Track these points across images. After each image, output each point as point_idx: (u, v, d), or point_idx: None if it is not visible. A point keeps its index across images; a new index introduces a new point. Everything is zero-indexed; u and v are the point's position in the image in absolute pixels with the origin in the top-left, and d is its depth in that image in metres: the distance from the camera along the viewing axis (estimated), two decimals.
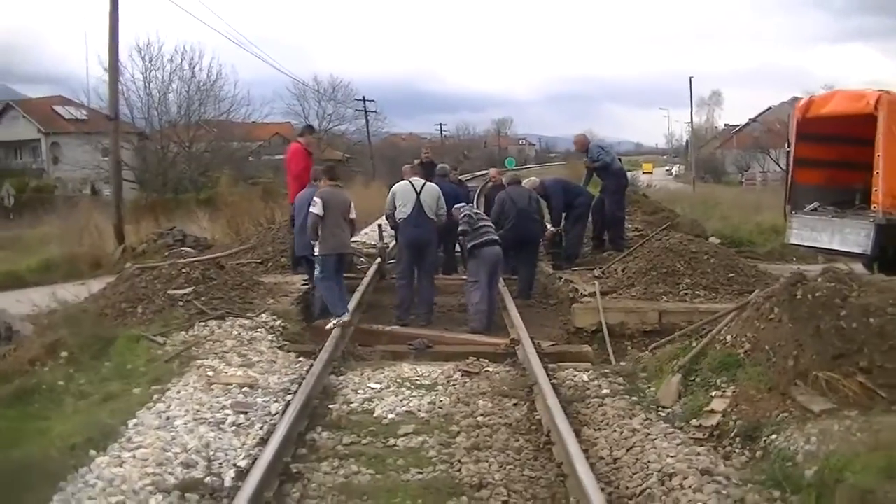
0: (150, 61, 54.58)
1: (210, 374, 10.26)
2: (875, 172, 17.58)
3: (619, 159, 22.31)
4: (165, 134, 54.97)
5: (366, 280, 16.60)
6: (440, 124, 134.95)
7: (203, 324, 12.40)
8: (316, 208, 13.09)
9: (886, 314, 9.01)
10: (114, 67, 29.01)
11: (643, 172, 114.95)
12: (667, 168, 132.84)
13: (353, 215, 13.35)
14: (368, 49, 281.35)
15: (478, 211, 16.61)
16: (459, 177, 22.75)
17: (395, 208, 15.14)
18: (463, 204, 16.14)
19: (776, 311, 9.70)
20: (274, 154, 70.68)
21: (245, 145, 67.20)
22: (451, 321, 15.49)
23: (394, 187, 15.53)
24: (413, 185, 15.09)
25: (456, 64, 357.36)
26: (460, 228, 15.25)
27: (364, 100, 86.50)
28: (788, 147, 21.25)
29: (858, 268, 16.24)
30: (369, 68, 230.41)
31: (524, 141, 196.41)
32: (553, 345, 12.83)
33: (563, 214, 18.99)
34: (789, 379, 8.68)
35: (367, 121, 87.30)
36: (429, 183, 15.50)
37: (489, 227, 15.30)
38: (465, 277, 16.70)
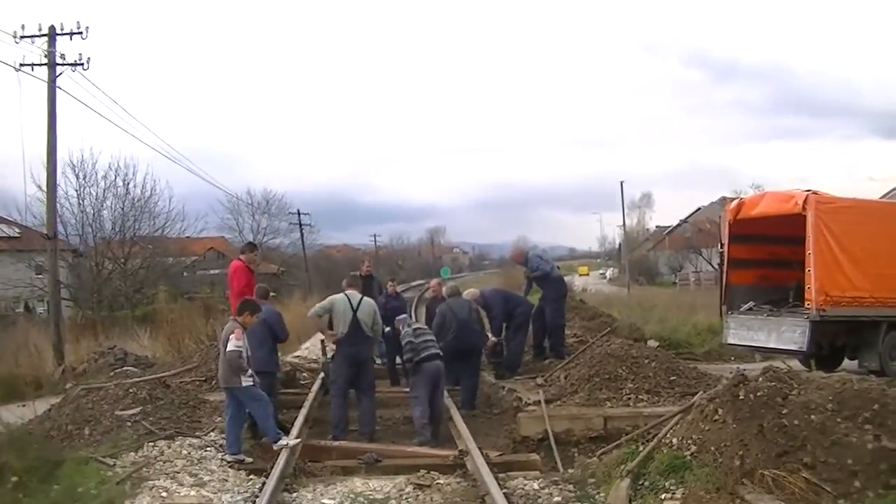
0: (84, 178, 54.04)
1: (163, 494, 10.26)
2: (807, 270, 18.05)
3: (558, 267, 22.53)
4: (100, 251, 54.41)
5: (311, 396, 16.55)
6: (374, 235, 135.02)
7: (152, 444, 12.32)
8: None
9: (827, 410, 9.26)
10: (52, 187, 29.16)
11: (579, 275, 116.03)
12: (600, 271, 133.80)
13: (228, 347, 12.43)
14: (301, 161, 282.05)
15: (420, 325, 16.73)
16: (397, 288, 22.80)
17: (323, 316, 15.32)
18: (405, 315, 16.25)
19: (720, 412, 9.91)
20: (209, 269, 70.50)
21: (180, 260, 66.86)
22: (397, 434, 15.54)
23: (332, 298, 15.49)
24: (350, 302, 15.03)
25: (388, 174, 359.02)
26: (405, 343, 15.29)
27: (299, 213, 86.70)
28: (721, 248, 21.73)
29: (795, 365, 16.54)
30: (302, 180, 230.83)
31: (457, 249, 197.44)
32: (501, 454, 12.90)
33: (504, 324, 19.10)
34: (736, 478, 8.86)
35: (302, 234, 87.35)
36: (365, 299, 15.46)
37: (431, 340, 15.36)
38: (407, 390, 16.80)
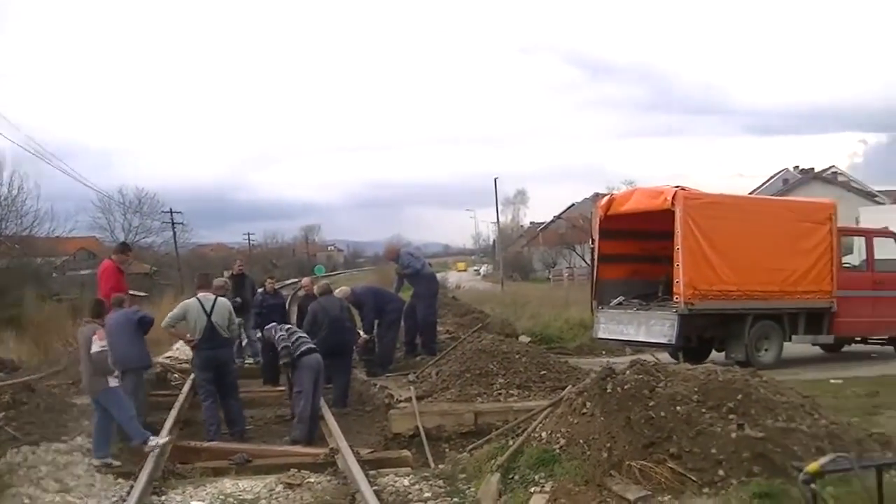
0: None
1: (26, 501, 10.06)
2: (675, 265, 18.32)
3: (430, 264, 22.59)
4: None
5: (181, 396, 16.36)
6: (248, 234, 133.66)
7: (16, 450, 12.01)
8: None
9: (692, 402, 9.41)
10: None
11: (458, 271, 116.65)
12: (475, 268, 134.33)
13: (93, 349, 12.11)
14: (174, 159, 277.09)
15: (289, 326, 16.66)
16: (275, 286, 22.72)
17: (177, 324, 15.05)
18: (273, 324, 16.14)
19: (588, 405, 10.00)
20: (80, 269, 69.25)
21: (49, 261, 65.51)
22: (269, 433, 15.44)
23: (184, 304, 15.29)
24: (203, 306, 14.80)
25: (262, 172, 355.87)
26: (281, 347, 15.17)
27: (171, 212, 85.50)
28: (592, 244, 21.93)
29: (665, 357, 16.79)
30: (175, 178, 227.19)
31: (332, 247, 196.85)
32: (372, 451, 12.87)
33: (376, 321, 19.10)
34: (604, 470, 8.95)
35: (175, 233, 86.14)
36: (219, 300, 15.23)
37: (304, 337, 15.34)
38: (281, 388, 16.74)
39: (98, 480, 11.36)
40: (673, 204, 18.42)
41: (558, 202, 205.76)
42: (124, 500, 9.92)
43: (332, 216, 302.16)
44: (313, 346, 15.11)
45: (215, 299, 15.05)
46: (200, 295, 15.05)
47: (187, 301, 15.27)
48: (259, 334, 18.60)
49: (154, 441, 12.05)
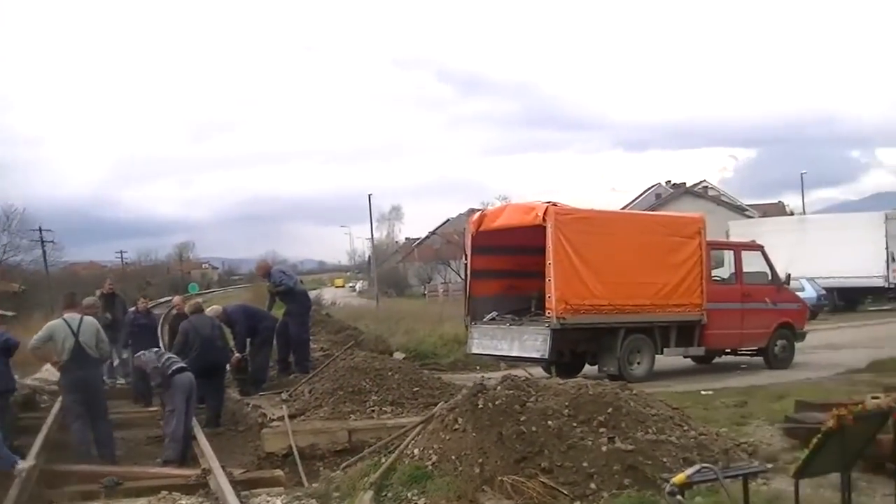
0: None
1: None
2: (547, 280, 18.45)
3: (301, 281, 22.47)
4: None
5: (49, 418, 16.00)
6: (121, 252, 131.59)
7: None
8: None
9: (563, 416, 9.51)
10: None
11: (335, 287, 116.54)
12: (350, 284, 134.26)
13: None
14: (42, 174, 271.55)
15: (156, 349, 16.45)
16: (148, 304, 22.43)
17: (43, 345, 14.63)
18: (142, 352, 15.90)
19: (460, 421, 10.03)
20: None
21: None
22: (141, 455, 15.16)
23: (50, 325, 14.64)
24: (70, 327, 14.25)
25: (134, 188, 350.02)
26: (151, 370, 14.92)
27: (40, 230, 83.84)
28: (465, 260, 22.01)
29: (538, 372, 16.89)
30: (45, 194, 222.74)
31: (207, 265, 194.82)
32: (245, 472, 12.70)
33: (248, 339, 18.92)
34: (476, 486, 8.98)
35: (45, 251, 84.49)
36: (86, 319, 14.67)
37: (173, 357, 15.10)
38: (153, 409, 16.52)
39: None
40: (544, 219, 18.57)
41: (433, 218, 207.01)
42: None
43: (207, 233, 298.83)
44: (184, 365, 14.91)
45: (81, 319, 14.70)
46: (67, 315, 14.67)
47: (53, 322, 14.85)
48: (126, 354, 18.36)
49: (22, 465, 11.77)
